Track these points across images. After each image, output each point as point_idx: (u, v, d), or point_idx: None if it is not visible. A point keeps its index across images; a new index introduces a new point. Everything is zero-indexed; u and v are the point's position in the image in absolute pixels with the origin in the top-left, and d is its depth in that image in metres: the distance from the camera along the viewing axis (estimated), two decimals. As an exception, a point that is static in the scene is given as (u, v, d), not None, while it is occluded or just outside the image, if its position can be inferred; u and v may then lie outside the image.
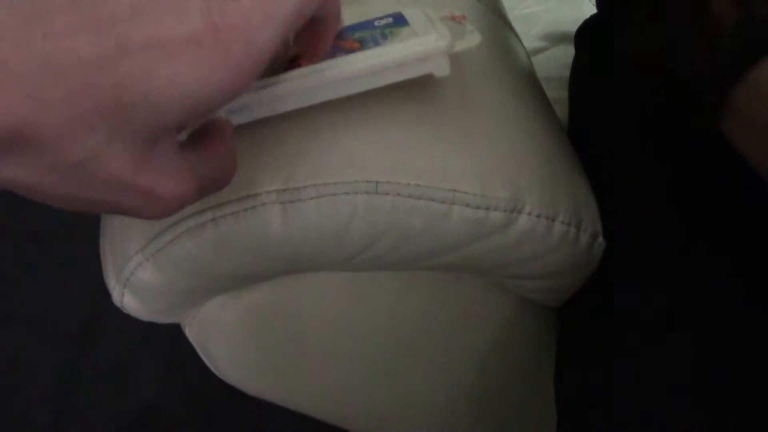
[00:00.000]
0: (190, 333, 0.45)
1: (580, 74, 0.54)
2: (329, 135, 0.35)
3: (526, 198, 0.37)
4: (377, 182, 0.34)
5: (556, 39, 0.64)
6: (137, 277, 0.37)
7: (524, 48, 0.51)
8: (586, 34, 0.54)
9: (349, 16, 0.35)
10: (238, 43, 0.24)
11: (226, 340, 0.43)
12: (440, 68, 0.34)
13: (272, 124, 0.35)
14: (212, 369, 0.48)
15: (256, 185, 0.34)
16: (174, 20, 0.23)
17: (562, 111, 0.55)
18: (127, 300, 0.39)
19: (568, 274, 0.41)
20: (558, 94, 0.58)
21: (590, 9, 0.66)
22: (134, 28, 0.23)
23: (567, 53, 0.61)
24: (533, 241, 0.38)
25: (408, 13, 0.35)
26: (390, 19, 0.35)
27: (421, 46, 0.33)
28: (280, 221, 0.34)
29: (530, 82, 0.45)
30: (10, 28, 0.21)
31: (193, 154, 0.27)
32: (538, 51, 0.64)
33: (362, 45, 0.33)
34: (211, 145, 0.29)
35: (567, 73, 0.57)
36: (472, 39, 0.35)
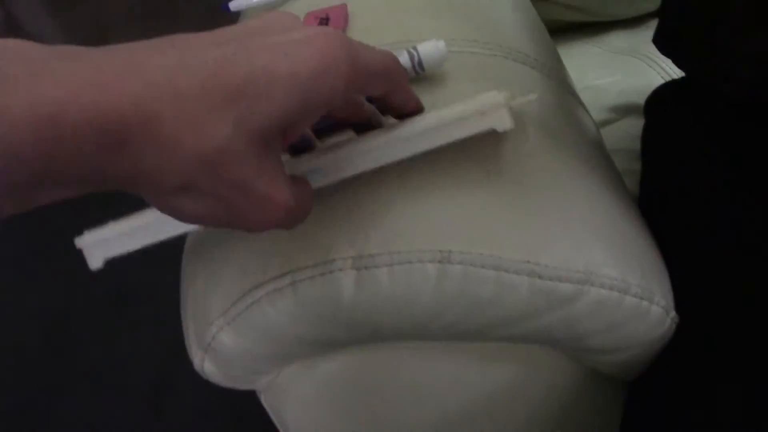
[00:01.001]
0: (266, 400, 0.46)
1: (653, 142, 0.54)
2: (403, 203, 0.36)
3: (598, 270, 0.37)
4: (450, 251, 0.35)
5: (624, 111, 0.65)
6: (218, 342, 0.38)
7: (592, 119, 0.51)
8: (658, 102, 0.54)
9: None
10: (344, 48, 0.27)
11: (301, 409, 0.44)
12: (501, 122, 0.34)
13: (347, 193, 0.36)
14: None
15: (332, 251, 0.35)
16: (286, 33, 0.27)
17: (631, 183, 0.55)
18: (208, 366, 0.40)
19: (640, 348, 0.41)
20: (627, 165, 0.58)
21: (659, 80, 0.66)
22: (252, 40, 0.26)
23: (635, 125, 0.62)
24: (604, 313, 0.38)
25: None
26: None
27: (480, 101, 0.34)
28: (353, 287, 0.35)
29: (599, 154, 0.46)
30: (144, 46, 0.25)
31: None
32: (606, 123, 0.65)
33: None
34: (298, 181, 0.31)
35: (635, 144, 0.57)
36: (530, 96, 0.37)
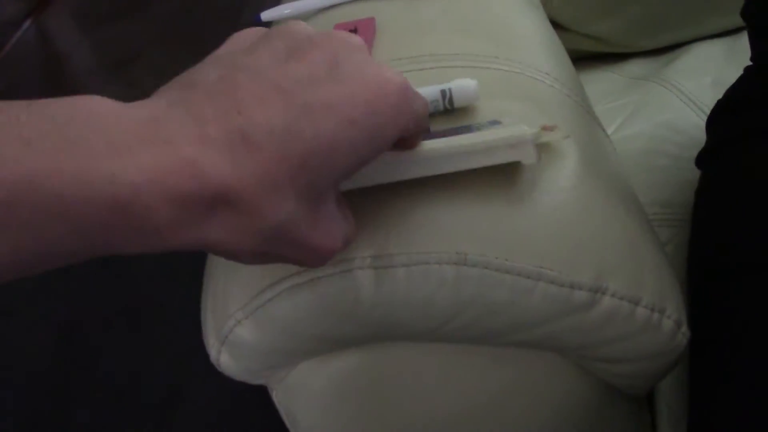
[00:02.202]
0: (277, 396, 0.47)
1: (715, 156, 0.53)
2: (424, 208, 0.37)
3: (611, 279, 0.38)
4: (467, 254, 0.36)
5: (639, 134, 0.66)
6: (236, 335, 0.39)
7: (610, 141, 0.52)
8: (714, 122, 0.54)
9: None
10: (404, 100, 0.28)
11: (313, 405, 0.45)
12: (527, 156, 0.35)
13: (370, 195, 0.37)
14: (293, 437, 0.50)
15: (352, 250, 0.36)
16: (344, 80, 0.27)
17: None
18: (224, 358, 0.41)
19: (650, 360, 0.41)
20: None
21: (677, 102, 0.67)
22: (314, 93, 0.26)
23: (649, 147, 0.63)
24: (615, 323, 0.39)
25: (504, 120, 0.39)
26: (487, 123, 0.39)
27: (510, 133, 0.35)
28: (372, 286, 0.36)
29: (617, 173, 0.47)
30: (210, 108, 0.24)
31: (340, 213, 0.30)
32: (620, 143, 0.66)
33: (458, 132, 0.36)
34: (344, 210, 0.32)
35: (650, 166, 0.58)
36: (560, 133, 0.38)
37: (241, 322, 0.39)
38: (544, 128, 0.39)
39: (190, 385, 1.06)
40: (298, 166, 0.25)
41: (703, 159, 0.54)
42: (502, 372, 0.43)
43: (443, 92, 0.41)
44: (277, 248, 0.26)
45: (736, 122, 0.51)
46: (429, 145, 0.35)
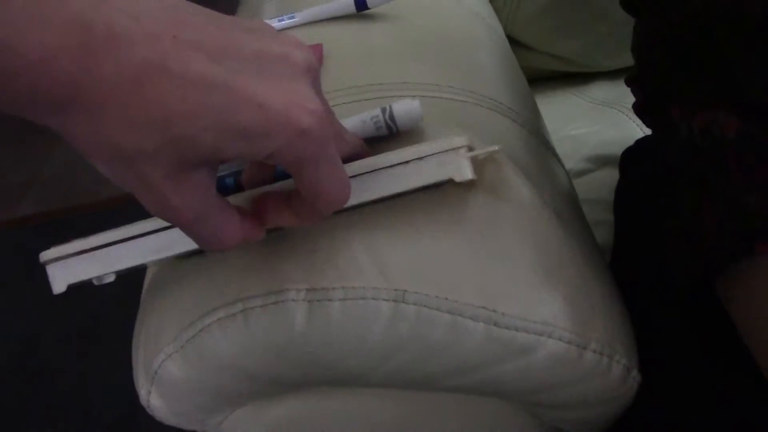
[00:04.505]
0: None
1: (625, 199, 0.54)
2: (362, 241, 0.35)
3: (558, 322, 0.36)
4: (405, 291, 0.34)
5: (601, 161, 0.65)
6: (165, 370, 0.37)
7: (565, 171, 0.51)
8: (629, 161, 0.54)
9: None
10: (316, 139, 0.26)
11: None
12: (460, 172, 0.33)
13: (306, 228, 0.36)
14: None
15: (286, 281, 0.35)
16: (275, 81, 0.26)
17: (606, 233, 0.55)
18: (153, 399, 0.39)
19: (600, 406, 0.40)
20: (602, 216, 0.58)
21: (638, 133, 0.66)
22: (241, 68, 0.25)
23: (612, 176, 0.62)
24: (562, 367, 0.37)
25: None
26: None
27: (438, 145, 0.33)
28: (305, 319, 0.35)
29: (570, 206, 0.45)
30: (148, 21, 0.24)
31: (217, 199, 0.29)
32: (583, 173, 0.65)
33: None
34: (232, 209, 0.30)
35: (611, 196, 0.57)
36: (492, 147, 0.35)
37: (171, 357, 0.37)
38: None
39: (145, 412, 1.03)
40: (180, 114, 0.24)
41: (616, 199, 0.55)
42: (447, 421, 0.41)
43: (383, 110, 0.39)
44: (128, 178, 0.25)
45: (639, 169, 0.52)
46: (351, 166, 0.33)
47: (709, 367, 0.40)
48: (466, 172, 0.33)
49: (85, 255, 0.34)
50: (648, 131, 0.64)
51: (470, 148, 0.34)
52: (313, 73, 0.29)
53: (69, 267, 0.34)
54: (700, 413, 0.39)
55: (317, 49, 0.46)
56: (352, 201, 0.34)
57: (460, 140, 0.33)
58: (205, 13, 0.26)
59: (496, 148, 0.35)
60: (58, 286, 0.35)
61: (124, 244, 0.34)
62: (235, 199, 0.33)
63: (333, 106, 0.43)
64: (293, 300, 0.34)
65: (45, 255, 0.34)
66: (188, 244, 0.34)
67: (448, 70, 0.46)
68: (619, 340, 0.39)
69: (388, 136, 0.40)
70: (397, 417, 0.41)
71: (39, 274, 0.36)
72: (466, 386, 0.38)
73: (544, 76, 0.81)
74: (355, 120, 0.39)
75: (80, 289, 0.36)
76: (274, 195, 0.33)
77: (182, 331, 0.36)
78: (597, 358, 0.38)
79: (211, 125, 0.25)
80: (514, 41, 0.63)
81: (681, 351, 0.41)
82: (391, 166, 0.33)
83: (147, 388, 0.39)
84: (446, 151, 0.33)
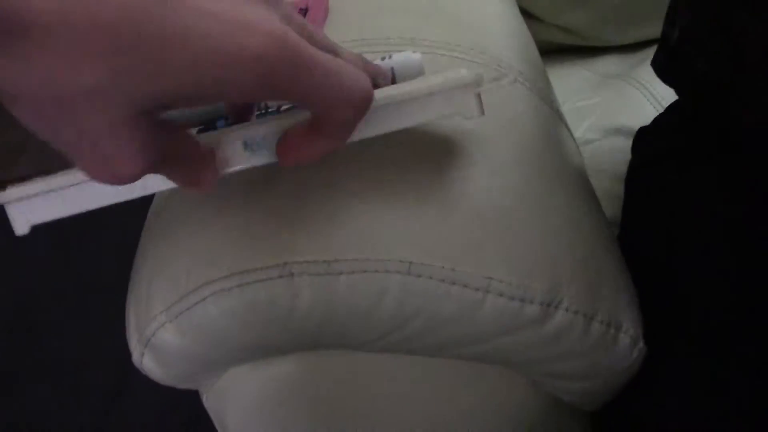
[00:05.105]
0: (207, 402, 0.44)
1: (636, 176, 0.53)
2: (366, 213, 0.34)
3: (565, 292, 0.35)
4: (410, 263, 0.33)
5: (607, 132, 0.64)
6: (158, 338, 0.36)
7: (574, 141, 0.50)
8: (644, 139, 0.53)
9: None
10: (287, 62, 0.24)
11: (243, 413, 0.42)
12: (467, 107, 0.32)
13: (307, 196, 0.34)
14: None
15: (287, 254, 0.33)
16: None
17: (610, 203, 0.54)
18: (147, 361, 0.38)
19: (604, 377, 0.39)
20: (608, 186, 0.57)
21: (646, 104, 0.65)
22: None
23: (617, 146, 0.61)
24: (569, 339, 0.36)
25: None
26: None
27: (445, 77, 0.31)
28: (308, 294, 0.33)
29: (578, 176, 0.44)
30: None
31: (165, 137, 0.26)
32: (589, 142, 0.64)
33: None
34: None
35: (617, 166, 0.56)
36: (506, 79, 0.34)
37: (164, 326, 0.36)
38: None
39: (138, 373, 1.03)
40: (129, 46, 0.21)
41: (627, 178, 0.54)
42: (445, 384, 0.40)
43: (382, 59, 0.37)
44: (65, 126, 0.23)
45: (656, 145, 0.51)
46: None
47: (713, 342, 0.39)
48: (472, 109, 0.32)
49: (48, 195, 0.32)
50: (659, 107, 0.63)
51: (478, 84, 0.32)
52: None
53: (31, 207, 0.32)
54: (704, 385, 0.38)
55: (321, 2, 0.44)
56: (360, 135, 0.31)
57: (469, 75, 0.31)
58: None
59: (505, 82, 0.33)
60: (21, 227, 0.33)
61: (90, 183, 0.31)
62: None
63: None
64: (294, 273, 0.33)
65: (5, 196, 0.32)
66: (164, 184, 0.31)
67: (460, 30, 0.44)
68: (626, 313, 0.38)
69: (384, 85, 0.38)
70: (394, 378, 0.40)
71: (32, 236, 0.34)
72: (472, 355, 0.37)
73: (553, 49, 0.79)
74: None
75: (73, 250, 0.34)
76: (296, 129, 0.30)
77: (175, 303, 0.35)
78: (604, 330, 0.37)
79: (162, 60, 0.22)
80: (523, 12, 0.62)
81: (686, 325, 0.40)
82: (400, 102, 0.31)
83: (140, 350, 0.38)
84: (454, 88, 0.31)
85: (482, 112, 0.32)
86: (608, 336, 0.37)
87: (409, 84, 0.32)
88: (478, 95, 0.32)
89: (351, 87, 0.27)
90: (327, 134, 0.29)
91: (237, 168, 0.31)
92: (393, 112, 0.31)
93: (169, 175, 0.29)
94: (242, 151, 0.31)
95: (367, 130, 0.31)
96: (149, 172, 0.26)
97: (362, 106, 0.28)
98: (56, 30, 0.21)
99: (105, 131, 0.23)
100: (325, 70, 0.26)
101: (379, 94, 0.31)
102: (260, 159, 0.31)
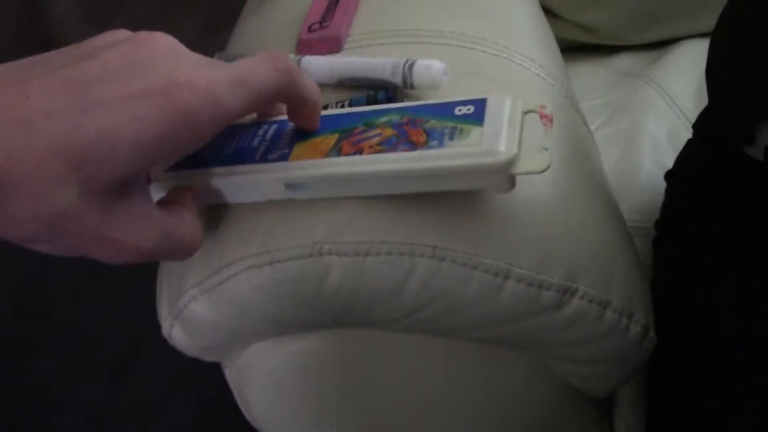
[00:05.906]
0: (230, 375, 0.46)
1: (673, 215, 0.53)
2: (393, 198, 0.35)
3: (581, 281, 0.37)
4: (435, 247, 0.35)
5: (621, 130, 0.65)
6: (189, 311, 0.38)
7: (591, 134, 0.51)
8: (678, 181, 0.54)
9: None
10: (197, 97, 0.27)
11: (265, 386, 0.44)
12: (498, 186, 0.33)
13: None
14: (246, 415, 0.48)
15: (318, 235, 0.35)
16: (139, 79, 0.27)
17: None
18: (176, 332, 0.39)
19: (614, 364, 0.41)
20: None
21: (660, 103, 0.66)
22: (100, 90, 0.26)
23: (629, 144, 0.62)
24: (583, 325, 0.38)
25: (492, 103, 0.33)
26: (471, 108, 0.33)
27: (476, 160, 0.31)
28: (338, 273, 0.35)
29: (596, 171, 0.46)
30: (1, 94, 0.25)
31: (160, 213, 0.30)
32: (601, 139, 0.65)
33: (428, 139, 0.32)
34: (178, 210, 0.32)
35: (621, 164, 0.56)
36: (539, 162, 0.31)
37: (196, 299, 0.37)
38: (542, 115, 0.33)
39: (149, 342, 1.04)
40: (80, 158, 0.25)
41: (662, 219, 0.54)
42: (463, 365, 0.42)
43: (405, 61, 0.38)
44: (63, 237, 0.26)
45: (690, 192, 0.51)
46: (384, 159, 0.32)
47: (724, 336, 0.40)
48: (504, 187, 0.33)
49: None
50: (674, 105, 0.64)
51: (510, 163, 0.31)
52: (170, 45, 0.29)
53: None
54: (713, 374, 0.40)
55: None
56: (378, 191, 0.35)
57: (501, 159, 0.31)
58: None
59: (543, 168, 0.31)
60: None
61: None
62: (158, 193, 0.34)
63: (368, 47, 0.43)
64: (326, 254, 0.35)
65: None
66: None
67: (486, 24, 0.45)
68: (639, 301, 0.40)
69: (402, 86, 0.39)
70: (414, 358, 0.41)
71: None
72: (488, 338, 0.38)
73: (570, 47, 0.80)
74: (374, 61, 0.39)
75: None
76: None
77: (208, 277, 0.36)
78: (616, 318, 0.38)
79: (106, 144, 0.25)
80: (542, 8, 0.63)
81: (700, 318, 0.41)
82: (432, 173, 0.32)
83: (170, 322, 0.39)
84: (489, 171, 0.31)
85: (513, 187, 0.33)
86: (620, 324, 0.38)
87: (441, 157, 0.32)
88: (510, 176, 0.32)
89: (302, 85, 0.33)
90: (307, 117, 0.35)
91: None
92: (424, 179, 0.33)
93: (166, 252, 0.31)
94: (283, 191, 0.35)
95: (390, 188, 0.34)
96: (156, 245, 0.29)
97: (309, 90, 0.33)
98: (16, 180, 0.24)
99: (96, 224, 0.27)
100: (247, 92, 0.30)
101: (420, 163, 0.32)
102: (301, 195, 0.34)
